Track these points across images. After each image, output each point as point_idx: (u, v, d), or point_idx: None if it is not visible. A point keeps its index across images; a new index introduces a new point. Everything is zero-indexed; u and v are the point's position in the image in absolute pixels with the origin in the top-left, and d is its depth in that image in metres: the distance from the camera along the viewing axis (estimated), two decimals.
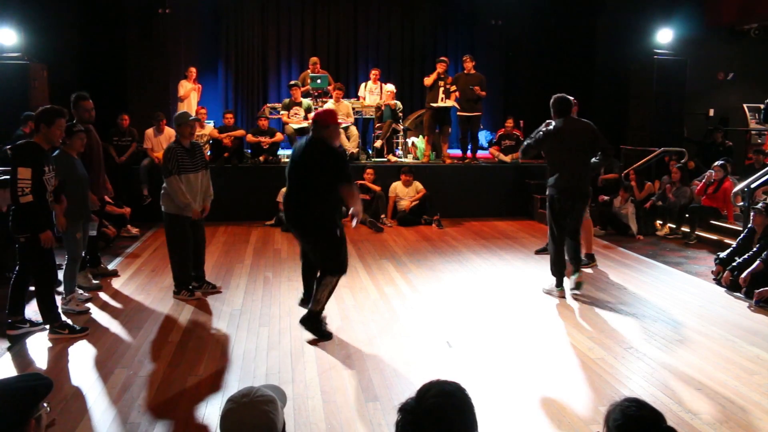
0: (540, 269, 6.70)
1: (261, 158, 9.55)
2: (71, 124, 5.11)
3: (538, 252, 7.38)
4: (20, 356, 4.27)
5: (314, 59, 10.89)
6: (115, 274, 6.20)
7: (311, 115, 10.02)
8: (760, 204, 6.21)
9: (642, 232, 8.51)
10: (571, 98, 6.79)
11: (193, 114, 9.90)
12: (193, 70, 10.26)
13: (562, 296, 5.62)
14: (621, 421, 1.64)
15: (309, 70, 10.81)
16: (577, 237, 5.78)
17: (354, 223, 4.55)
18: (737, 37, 11.30)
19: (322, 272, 4.60)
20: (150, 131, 9.14)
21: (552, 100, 5.77)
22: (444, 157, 10.25)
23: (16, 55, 8.23)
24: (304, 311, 4.67)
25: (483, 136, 11.87)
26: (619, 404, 1.68)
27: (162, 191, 5.46)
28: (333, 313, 5.15)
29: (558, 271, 5.68)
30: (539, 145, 5.69)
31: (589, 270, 6.68)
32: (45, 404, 1.74)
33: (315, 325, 4.61)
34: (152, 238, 8.04)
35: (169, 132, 9.32)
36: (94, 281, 5.84)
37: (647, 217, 8.79)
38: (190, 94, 10.14)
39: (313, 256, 4.68)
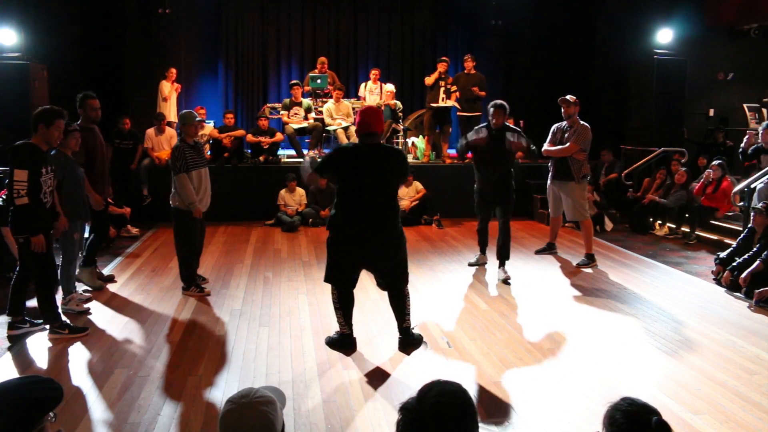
0: (540, 269, 6.71)
1: (261, 158, 9.55)
2: (65, 123, 5.09)
3: (538, 252, 7.38)
4: (20, 356, 4.27)
5: (322, 59, 10.89)
6: (111, 279, 6.10)
7: (312, 115, 10.08)
8: (761, 204, 6.21)
9: (616, 222, 8.80)
10: (572, 97, 6.78)
11: (175, 113, 9.93)
12: (174, 70, 10.21)
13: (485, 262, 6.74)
14: (614, 418, 1.66)
15: (317, 70, 10.81)
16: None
17: None
18: (737, 37, 11.29)
19: (400, 286, 4.33)
20: (151, 131, 9.14)
21: (500, 105, 6.17)
22: (444, 157, 10.24)
23: (16, 55, 8.23)
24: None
25: None
26: (615, 404, 1.70)
27: (172, 188, 5.51)
28: (333, 314, 5.15)
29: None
30: None
31: (589, 270, 6.69)
32: (51, 414, 1.73)
33: (414, 340, 4.43)
34: (152, 238, 8.04)
35: (170, 132, 9.33)
36: (100, 281, 5.84)
37: (642, 214, 8.81)
38: (171, 94, 10.13)
39: (387, 274, 4.29)
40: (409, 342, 4.42)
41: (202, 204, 5.59)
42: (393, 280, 4.34)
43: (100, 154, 5.76)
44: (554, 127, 7.01)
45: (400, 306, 4.38)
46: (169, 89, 10.02)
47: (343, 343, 4.38)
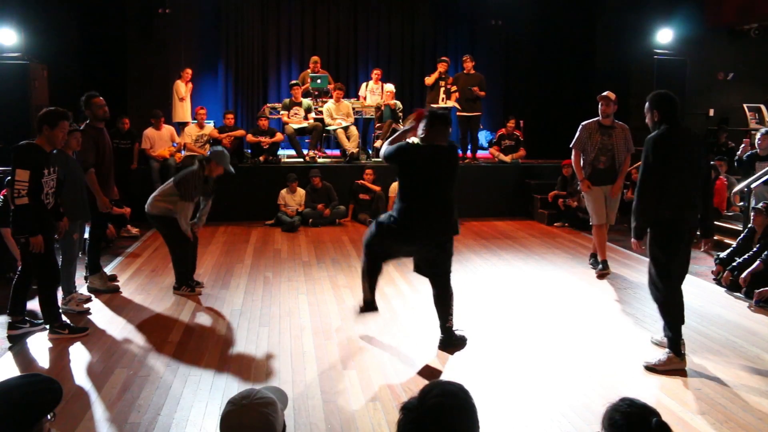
0: (540, 269, 6.70)
1: (261, 158, 9.56)
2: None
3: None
4: (20, 356, 4.27)
5: (315, 58, 10.90)
6: (114, 278, 6.03)
7: (312, 115, 10.07)
8: (761, 204, 6.21)
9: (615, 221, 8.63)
10: (612, 95, 6.34)
11: (190, 113, 9.96)
12: (189, 71, 10.29)
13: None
14: (614, 419, 1.66)
15: (309, 69, 10.82)
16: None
17: None
18: (737, 37, 11.30)
19: (445, 283, 4.39)
20: (149, 130, 9.13)
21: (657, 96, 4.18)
22: None
23: (16, 55, 8.23)
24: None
25: (483, 136, 11.86)
26: (614, 404, 1.70)
27: (159, 198, 5.50)
28: (333, 313, 5.16)
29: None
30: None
31: (592, 270, 6.67)
32: (51, 414, 1.73)
33: (456, 341, 4.45)
34: (152, 238, 8.04)
35: (169, 130, 9.34)
36: (111, 283, 5.84)
37: None
38: (187, 94, 10.20)
39: (433, 268, 4.38)
40: (451, 342, 4.42)
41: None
42: (436, 271, 4.40)
43: (108, 154, 5.79)
44: (582, 127, 6.39)
45: (445, 305, 4.42)
46: (185, 89, 10.12)
47: (368, 308, 4.59)
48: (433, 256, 4.38)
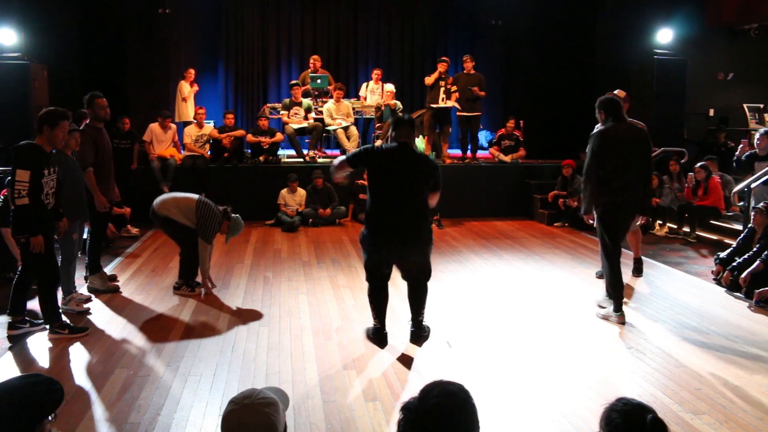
0: (540, 269, 6.70)
1: (261, 158, 9.55)
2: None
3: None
4: (20, 356, 4.27)
5: (315, 58, 10.89)
6: (114, 278, 6.04)
7: (312, 115, 10.07)
8: (761, 204, 6.21)
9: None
10: (622, 92, 6.27)
11: (192, 113, 9.97)
12: (192, 71, 10.33)
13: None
14: (611, 418, 1.67)
15: (309, 69, 10.82)
16: None
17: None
18: (737, 37, 11.30)
19: (422, 282, 4.52)
20: (154, 125, 9.12)
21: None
22: (444, 157, 10.24)
23: (16, 55, 8.23)
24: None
25: (483, 136, 11.87)
26: (611, 404, 1.71)
27: (173, 205, 5.57)
28: (333, 313, 5.16)
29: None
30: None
31: (589, 270, 6.66)
32: (52, 414, 1.73)
33: (427, 333, 4.66)
34: (152, 238, 8.04)
35: (172, 131, 9.34)
36: (111, 283, 5.84)
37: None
38: (191, 95, 10.24)
39: (410, 269, 4.49)
40: (421, 335, 4.60)
41: None
42: (414, 272, 4.51)
43: (107, 154, 5.79)
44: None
45: (420, 299, 4.57)
46: (188, 90, 10.14)
47: (375, 337, 4.54)
48: (414, 249, 4.39)
